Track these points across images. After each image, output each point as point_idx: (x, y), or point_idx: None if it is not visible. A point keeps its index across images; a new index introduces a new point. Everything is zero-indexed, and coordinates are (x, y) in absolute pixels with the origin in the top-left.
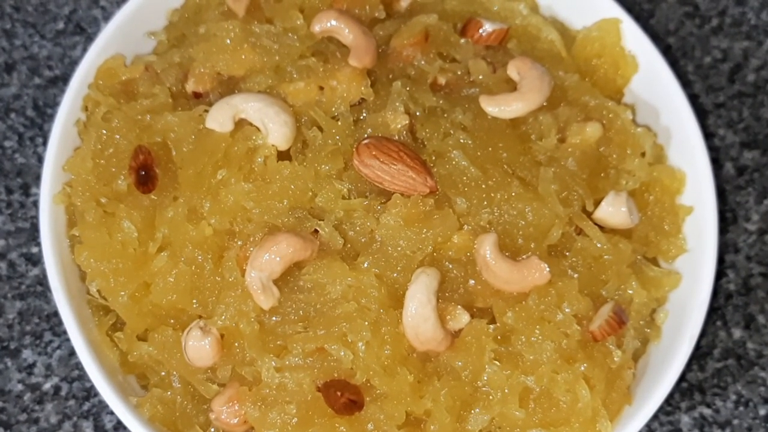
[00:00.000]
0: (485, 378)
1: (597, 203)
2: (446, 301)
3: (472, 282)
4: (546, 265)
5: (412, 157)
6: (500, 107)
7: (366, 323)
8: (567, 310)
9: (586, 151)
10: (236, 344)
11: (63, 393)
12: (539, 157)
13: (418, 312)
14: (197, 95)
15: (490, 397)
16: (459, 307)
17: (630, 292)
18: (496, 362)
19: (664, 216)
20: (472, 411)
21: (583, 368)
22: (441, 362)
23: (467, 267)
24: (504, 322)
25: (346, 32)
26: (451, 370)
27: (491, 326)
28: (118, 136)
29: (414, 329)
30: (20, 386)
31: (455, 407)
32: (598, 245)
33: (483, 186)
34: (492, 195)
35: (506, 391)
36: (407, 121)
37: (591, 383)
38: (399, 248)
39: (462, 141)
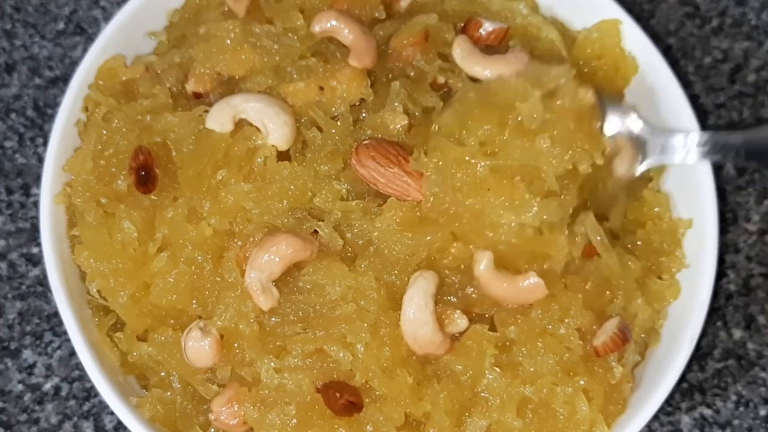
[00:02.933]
0: (485, 383)
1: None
2: (445, 305)
3: (470, 290)
4: (542, 284)
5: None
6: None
7: (365, 325)
8: (570, 324)
9: (581, 110)
10: (236, 345)
11: (63, 393)
12: (531, 126)
13: (416, 316)
14: (197, 95)
15: (489, 403)
16: (458, 311)
17: (634, 307)
18: (497, 369)
19: (663, 237)
20: (470, 416)
21: (582, 382)
22: (441, 365)
23: (465, 275)
24: (505, 334)
25: (346, 32)
26: (451, 374)
27: (493, 333)
28: (118, 137)
29: (412, 333)
30: (20, 386)
31: (454, 411)
32: (609, 265)
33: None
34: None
35: (505, 397)
36: (406, 121)
37: (589, 396)
38: (395, 252)
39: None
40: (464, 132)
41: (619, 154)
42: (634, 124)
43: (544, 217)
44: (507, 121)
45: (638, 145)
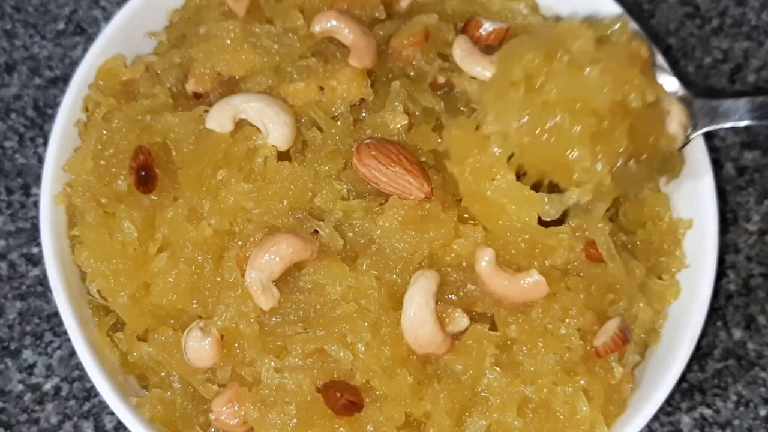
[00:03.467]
0: (485, 383)
1: None
2: (446, 304)
3: (471, 287)
4: (544, 281)
5: (411, 161)
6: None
7: (366, 324)
8: (571, 324)
9: (634, 55)
10: (236, 345)
11: (63, 393)
12: (581, 61)
13: (417, 315)
14: (197, 95)
15: (489, 403)
16: (458, 310)
17: (635, 309)
18: (497, 368)
19: (663, 237)
20: (471, 416)
21: (582, 382)
22: (441, 365)
23: (466, 272)
24: (506, 333)
25: (346, 32)
26: (451, 374)
27: (493, 332)
28: (118, 137)
29: (413, 333)
30: (21, 386)
31: (454, 410)
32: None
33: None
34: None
35: (505, 397)
36: (406, 121)
37: (589, 396)
38: (397, 250)
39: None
40: (510, 66)
41: (669, 116)
42: (679, 89)
43: (599, 165)
44: (555, 54)
45: (688, 111)
